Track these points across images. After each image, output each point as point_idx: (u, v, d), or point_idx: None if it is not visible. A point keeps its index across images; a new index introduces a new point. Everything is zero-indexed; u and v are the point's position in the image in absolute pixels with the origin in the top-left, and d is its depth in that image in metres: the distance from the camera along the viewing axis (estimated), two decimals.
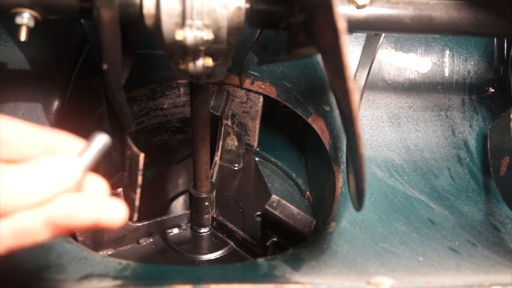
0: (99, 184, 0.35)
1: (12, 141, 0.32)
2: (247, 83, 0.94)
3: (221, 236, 0.85)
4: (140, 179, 0.47)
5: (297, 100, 0.91)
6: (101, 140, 0.34)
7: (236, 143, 1.02)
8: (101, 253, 0.77)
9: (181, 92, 0.99)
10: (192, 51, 0.42)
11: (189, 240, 0.85)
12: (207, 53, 0.44)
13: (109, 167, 0.88)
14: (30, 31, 0.42)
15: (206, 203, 0.80)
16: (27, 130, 0.33)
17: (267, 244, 0.74)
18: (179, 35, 0.40)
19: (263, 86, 0.94)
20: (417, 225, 0.68)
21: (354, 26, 0.48)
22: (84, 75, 0.74)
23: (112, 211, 0.33)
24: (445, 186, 0.77)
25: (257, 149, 1.12)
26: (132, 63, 0.52)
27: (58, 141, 0.34)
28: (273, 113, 1.05)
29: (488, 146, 0.78)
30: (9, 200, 0.28)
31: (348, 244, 0.62)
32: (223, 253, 0.83)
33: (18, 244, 0.31)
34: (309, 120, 0.90)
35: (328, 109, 0.85)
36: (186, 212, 0.84)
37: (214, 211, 0.85)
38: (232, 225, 0.83)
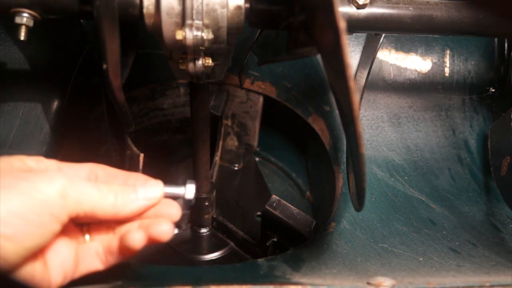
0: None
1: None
2: (247, 83, 0.94)
3: (221, 236, 0.85)
4: None
5: (297, 100, 0.91)
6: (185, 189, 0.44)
7: (236, 143, 1.02)
8: None
9: (181, 92, 0.99)
10: (192, 51, 0.42)
11: (189, 240, 0.85)
12: (207, 53, 0.44)
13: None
14: (29, 30, 0.42)
15: (206, 203, 0.80)
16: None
17: (267, 244, 0.74)
18: (179, 35, 0.40)
19: (263, 86, 0.94)
20: (418, 225, 0.68)
21: (354, 26, 0.47)
22: (84, 75, 0.73)
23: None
24: (446, 186, 0.77)
25: (257, 149, 1.12)
26: (132, 63, 0.52)
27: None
28: (273, 113, 1.05)
29: (489, 146, 0.78)
30: (123, 208, 0.39)
31: (348, 244, 0.62)
32: (223, 253, 0.83)
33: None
34: (309, 120, 0.89)
35: (328, 109, 0.85)
36: (186, 212, 0.84)
37: (214, 211, 0.85)
38: (232, 225, 0.83)
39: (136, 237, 0.38)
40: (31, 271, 0.35)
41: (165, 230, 0.40)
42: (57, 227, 0.35)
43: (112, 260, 0.41)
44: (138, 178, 0.43)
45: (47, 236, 0.34)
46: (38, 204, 0.33)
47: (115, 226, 0.43)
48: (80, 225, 0.42)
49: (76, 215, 0.36)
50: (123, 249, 0.40)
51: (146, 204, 0.40)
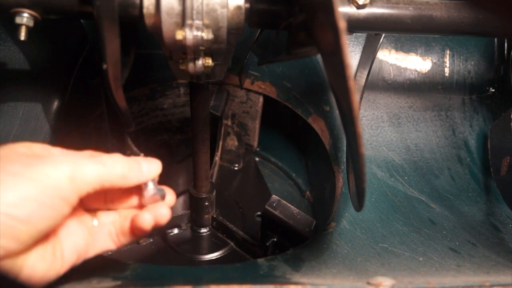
0: None
1: None
2: (247, 83, 0.94)
3: (221, 236, 0.85)
4: None
5: (297, 100, 0.91)
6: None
7: (236, 143, 1.02)
8: None
9: (181, 92, 0.99)
10: (192, 51, 0.42)
11: (189, 240, 0.85)
12: (207, 53, 0.44)
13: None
14: (29, 31, 0.42)
15: (206, 203, 0.80)
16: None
17: (267, 244, 0.74)
18: (179, 35, 0.40)
19: (263, 86, 0.94)
20: (418, 225, 0.68)
21: (354, 26, 0.47)
22: (84, 75, 0.73)
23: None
24: (446, 186, 0.77)
25: (257, 149, 1.12)
26: (132, 63, 0.52)
27: None
28: (273, 113, 1.05)
29: (489, 146, 0.78)
30: (129, 178, 0.42)
31: (348, 244, 0.62)
32: (223, 253, 0.83)
33: None
34: (309, 120, 0.90)
35: (328, 109, 0.85)
36: (186, 212, 0.84)
37: (214, 211, 0.85)
38: (232, 225, 0.83)
39: (146, 218, 0.43)
40: (41, 253, 0.37)
41: (164, 213, 0.44)
42: (67, 209, 0.37)
43: (124, 240, 0.44)
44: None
45: (58, 218, 0.37)
46: (48, 189, 0.35)
47: (120, 208, 0.47)
48: (88, 210, 0.46)
49: (86, 193, 0.38)
50: (135, 229, 0.43)
51: (148, 176, 0.44)
